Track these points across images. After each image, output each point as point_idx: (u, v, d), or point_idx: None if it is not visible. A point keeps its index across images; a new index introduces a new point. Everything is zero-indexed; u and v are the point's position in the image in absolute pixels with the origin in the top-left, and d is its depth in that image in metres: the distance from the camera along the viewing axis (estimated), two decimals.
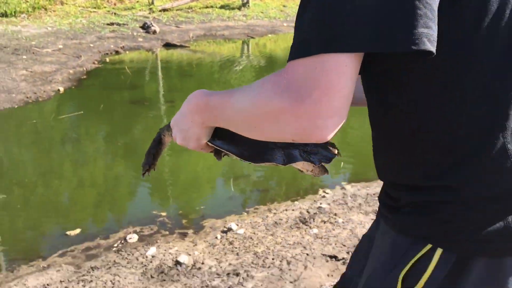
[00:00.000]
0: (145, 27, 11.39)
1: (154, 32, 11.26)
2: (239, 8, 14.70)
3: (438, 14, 0.60)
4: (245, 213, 3.55)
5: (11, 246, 3.19)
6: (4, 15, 10.77)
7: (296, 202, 3.63)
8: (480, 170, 0.70)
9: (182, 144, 0.93)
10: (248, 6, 14.85)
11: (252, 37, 12.37)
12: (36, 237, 3.33)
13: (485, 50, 0.66)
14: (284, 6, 15.90)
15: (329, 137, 0.65)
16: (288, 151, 0.89)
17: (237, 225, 3.23)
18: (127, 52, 9.81)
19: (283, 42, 12.35)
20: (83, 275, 2.70)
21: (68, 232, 3.27)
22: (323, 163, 0.91)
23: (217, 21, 13.30)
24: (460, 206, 0.71)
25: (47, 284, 2.63)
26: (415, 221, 0.75)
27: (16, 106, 6.00)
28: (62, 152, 4.87)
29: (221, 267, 2.68)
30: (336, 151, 0.93)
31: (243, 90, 0.74)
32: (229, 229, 3.18)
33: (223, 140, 0.89)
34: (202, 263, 2.75)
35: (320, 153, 0.90)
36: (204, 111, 0.83)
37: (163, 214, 3.50)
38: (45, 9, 11.81)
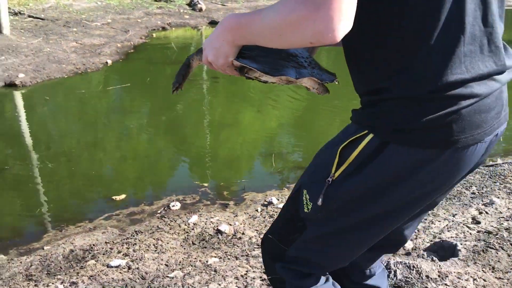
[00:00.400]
0: (192, 5, 11.44)
1: (200, 9, 11.30)
2: None
3: None
4: (286, 189, 3.56)
5: (60, 208, 3.33)
6: None
7: None
8: (407, 77, 0.92)
9: (212, 61, 1.07)
10: None
11: None
12: (83, 201, 3.45)
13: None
14: None
15: (340, 38, 0.81)
16: (299, 69, 1.06)
17: (278, 199, 3.24)
18: (173, 28, 9.91)
19: None
20: (127, 238, 2.78)
21: (113, 197, 3.38)
22: (325, 83, 1.11)
23: (263, 1, 13.20)
24: (389, 103, 0.95)
25: (93, 245, 2.72)
26: (363, 114, 1.01)
27: (66, 76, 6.18)
28: (109, 123, 5.00)
29: (261, 238, 2.69)
30: (336, 78, 1.12)
31: (270, 7, 0.88)
32: (270, 203, 3.19)
33: (247, 58, 1.04)
34: (243, 234, 2.78)
35: (324, 75, 1.10)
36: (236, 30, 0.97)
37: (205, 185, 3.55)
38: None
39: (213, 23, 10.64)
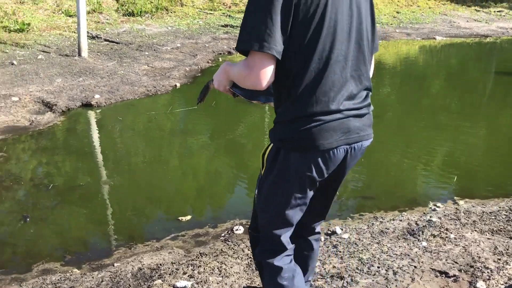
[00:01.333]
0: None
1: None
2: None
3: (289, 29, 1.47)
4: (350, 219, 3.51)
5: (129, 226, 3.46)
6: (131, 14, 11.67)
7: (404, 213, 3.51)
8: (289, 105, 1.55)
9: (217, 87, 1.79)
10: None
11: None
12: (151, 220, 3.57)
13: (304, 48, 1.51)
14: (397, 12, 15.42)
15: (265, 86, 1.51)
16: (268, 96, 1.74)
17: (342, 229, 3.20)
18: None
19: (393, 48, 11.97)
20: (192, 260, 2.85)
21: (180, 218, 3.47)
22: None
23: None
24: (277, 124, 1.61)
25: (160, 264, 2.81)
26: (270, 132, 1.66)
27: (137, 98, 6.48)
28: (175, 144, 5.17)
29: (324, 269, 2.67)
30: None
31: (236, 64, 1.60)
32: (333, 232, 3.16)
33: (237, 88, 1.73)
34: None
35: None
36: (225, 72, 1.72)
37: None
38: (167, 10, 12.59)
39: None
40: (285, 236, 1.76)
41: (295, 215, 1.72)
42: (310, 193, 1.69)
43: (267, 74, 1.49)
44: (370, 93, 1.69)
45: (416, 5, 16.46)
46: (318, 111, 1.54)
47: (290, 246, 1.79)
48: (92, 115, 5.86)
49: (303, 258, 1.99)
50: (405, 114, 6.49)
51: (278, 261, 1.75)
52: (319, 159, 1.58)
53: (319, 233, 2.05)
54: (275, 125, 1.64)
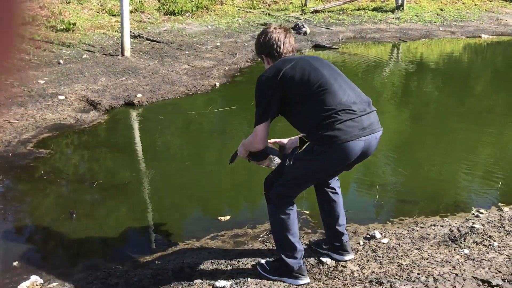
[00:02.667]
0: (296, 28, 11.67)
1: (305, 33, 11.49)
2: (392, 11, 14.27)
3: (288, 96, 2.44)
4: (389, 223, 3.48)
5: (170, 224, 3.55)
6: (172, 13, 11.87)
7: (445, 219, 3.45)
8: (317, 132, 2.34)
9: (240, 155, 2.78)
10: (402, 9, 14.34)
11: (404, 41, 11.94)
12: (191, 219, 3.66)
13: (304, 102, 2.40)
14: (441, 10, 15.04)
15: (263, 147, 2.56)
16: (269, 162, 2.83)
17: (381, 233, 3.19)
18: None
19: (436, 47, 11.71)
20: (231, 260, 2.90)
21: (219, 218, 3.54)
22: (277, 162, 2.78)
23: (368, 24, 13.09)
24: (312, 139, 2.40)
25: (199, 263, 2.87)
26: (308, 138, 2.43)
27: (178, 97, 6.61)
28: (215, 143, 5.25)
29: (363, 274, 2.67)
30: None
31: (246, 139, 2.65)
32: (372, 237, 3.14)
33: (250, 156, 2.75)
34: (344, 267, 2.77)
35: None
36: (242, 145, 2.70)
37: (306, 212, 3.59)
38: (207, 9, 12.74)
39: (317, 46, 10.76)
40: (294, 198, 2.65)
41: (308, 186, 2.65)
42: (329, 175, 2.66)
43: (264, 131, 2.49)
44: (370, 100, 2.50)
45: (461, 2, 16.00)
46: (340, 119, 2.33)
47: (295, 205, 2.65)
48: (134, 113, 6.02)
49: (329, 207, 2.79)
50: (448, 115, 6.35)
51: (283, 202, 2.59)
52: (346, 150, 2.32)
53: (333, 187, 2.79)
54: (308, 137, 2.44)
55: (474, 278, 2.58)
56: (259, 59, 2.74)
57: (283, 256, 2.59)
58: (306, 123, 2.40)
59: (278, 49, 2.56)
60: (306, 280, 2.59)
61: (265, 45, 2.58)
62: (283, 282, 2.59)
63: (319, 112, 2.33)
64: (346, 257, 2.83)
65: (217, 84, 7.23)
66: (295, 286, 2.56)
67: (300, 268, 2.58)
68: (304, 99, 2.39)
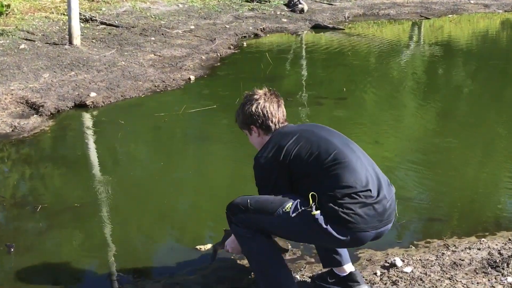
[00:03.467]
0: (291, 5, 11.77)
1: (302, 10, 11.59)
2: None
3: (293, 173, 2.64)
4: (413, 247, 3.51)
5: (136, 257, 3.55)
6: None
7: (483, 239, 3.48)
8: (332, 206, 2.50)
9: (231, 252, 3.02)
10: None
11: (427, 18, 12.09)
12: (163, 249, 3.65)
13: (307, 174, 2.61)
14: None
15: None
16: None
17: (403, 260, 3.21)
18: (268, 35, 10.23)
19: (467, 25, 11.86)
20: None
21: (198, 247, 3.53)
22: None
23: None
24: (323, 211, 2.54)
25: None
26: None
27: (142, 95, 6.62)
28: (191, 152, 5.26)
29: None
30: None
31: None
32: (392, 265, 3.17)
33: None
34: None
35: None
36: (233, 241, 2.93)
37: None
38: None
39: (317, 27, 10.85)
40: None
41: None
42: None
43: None
44: (387, 178, 2.79)
45: None
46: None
47: None
48: (87, 118, 6.01)
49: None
50: (484, 109, 6.43)
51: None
52: (360, 238, 2.59)
53: None
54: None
55: None
56: (243, 131, 2.91)
57: None
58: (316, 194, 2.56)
59: (274, 119, 2.78)
60: None
61: (257, 115, 2.77)
62: None
63: (334, 188, 2.52)
64: None
65: (192, 77, 7.25)
66: None
67: None
68: (314, 176, 2.58)
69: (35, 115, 5.83)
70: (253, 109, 2.77)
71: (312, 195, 2.52)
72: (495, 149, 5.26)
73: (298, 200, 2.56)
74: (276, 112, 2.78)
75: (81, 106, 6.17)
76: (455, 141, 5.41)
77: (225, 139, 5.52)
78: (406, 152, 5.19)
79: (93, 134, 5.67)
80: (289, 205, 2.55)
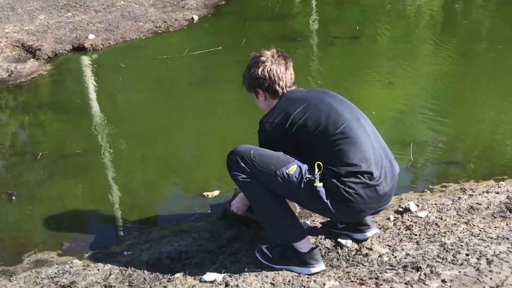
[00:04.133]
0: None
1: None
2: None
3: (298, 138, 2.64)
4: (428, 192, 3.52)
5: (140, 204, 3.60)
6: None
7: (502, 183, 3.49)
8: (335, 182, 2.53)
9: (236, 212, 3.09)
10: None
11: None
12: (168, 197, 3.70)
13: (313, 144, 2.61)
14: None
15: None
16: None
17: (417, 205, 3.22)
18: None
19: None
20: (222, 246, 2.96)
21: (206, 193, 3.56)
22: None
23: None
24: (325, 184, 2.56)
25: (182, 252, 2.92)
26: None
27: (143, 37, 6.56)
28: (196, 97, 5.22)
29: (395, 257, 2.72)
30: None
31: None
32: (406, 210, 3.18)
33: (248, 212, 3.06)
34: (370, 249, 2.81)
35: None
36: (243, 200, 3.04)
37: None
38: None
39: None
40: None
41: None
42: None
43: None
44: (391, 154, 2.83)
45: None
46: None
47: None
48: (86, 62, 5.98)
49: None
50: (505, 48, 6.32)
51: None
52: (357, 216, 2.70)
53: None
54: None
55: None
56: (250, 93, 2.88)
57: (279, 242, 2.70)
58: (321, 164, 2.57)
59: (281, 83, 2.76)
60: (320, 267, 2.64)
61: (263, 78, 2.76)
62: (290, 271, 2.64)
63: (339, 164, 2.54)
64: (369, 233, 2.89)
65: (195, 17, 7.15)
66: (307, 275, 2.61)
67: (312, 252, 2.63)
68: (320, 148, 2.60)
69: (32, 59, 5.80)
70: (259, 72, 2.76)
71: (318, 164, 2.53)
72: None
73: (304, 166, 2.57)
74: (283, 75, 2.76)
75: (79, 49, 6.13)
76: (473, 82, 5.34)
77: (231, 82, 5.48)
78: (421, 94, 5.14)
79: (93, 78, 5.65)
80: (294, 167, 2.56)
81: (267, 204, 2.63)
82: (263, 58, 2.79)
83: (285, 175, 2.55)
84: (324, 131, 2.58)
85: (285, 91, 2.77)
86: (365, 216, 2.74)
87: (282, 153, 2.63)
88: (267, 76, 2.75)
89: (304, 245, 2.65)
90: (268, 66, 2.75)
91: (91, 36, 6.32)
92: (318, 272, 2.62)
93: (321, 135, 2.59)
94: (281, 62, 2.79)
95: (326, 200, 2.53)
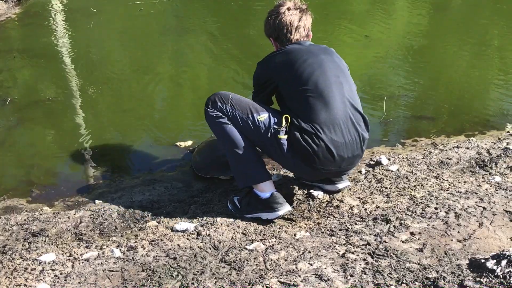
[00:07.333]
0: None
1: None
2: None
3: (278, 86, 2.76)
4: (400, 146, 3.54)
5: (112, 153, 3.55)
6: None
7: (472, 139, 3.52)
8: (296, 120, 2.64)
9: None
10: None
11: None
12: (140, 145, 3.64)
13: (291, 95, 2.70)
14: None
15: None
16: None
17: (389, 159, 3.24)
18: None
19: None
20: (194, 196, 2.95)
21: (178, 144, 3.54)
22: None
23: None
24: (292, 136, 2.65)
25: (154, 201, 2.91)
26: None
27: None
28: (169, 44, 5.14)
29: (365, 209, 2.74)
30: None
31: None
32: (378, 163, 3.20)
33: None
34: (341, 201, 2.83)
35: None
36: None
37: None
38: None
39: None
40: None
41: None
42: None
43: None
44: (364, 116, 2.80)
45: None
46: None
47: None
48: (56, 5, 5.82)
49: None
50: (479, 2, 6.31)
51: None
52: (316, 174, 2.79)
53: None
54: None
55: (507, 212, 2.67)
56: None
57: (241, 182, 2.77)
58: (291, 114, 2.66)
59: (289, 35, 2.82)
60: (285, 208, 2.68)
61: (274, 28, 2.84)
62: (260, 218, 2.66)
63: (306, 120, 2.61)
64: (340, 185, 2.91)
65: None
66: (278, 225, 2.62)
67: (273, 196, 2.67)
68: (295, 100, 2.68)
69: (0, 1, 5.61)
70: (272, 22, 2.83)
71: (285, 117, 2.61)
72: (487, 46, 5.20)
73: (274, 117, 2.66)
74: (293, 28, 2.81)
75: None
76: (445, 37, 5.35)
77: (205, 31, 5.40)
78: (395, 49, 5.13)
79: (63, 23, 5.50)
80: (265, 116, 2.66)
81: (234, 142, 2.69)
82: (280, 9, 2.83)
83: (256, 120, 2.65)
84: (303, 85, 2.65)
85: (292, 42, 2.82)
86: (322, 177, 2.81)
87: (257, 103, 2.73)
88: (278, 26, 2.81)
89: (266, 188, 2.68)
90: (280, 18, 2.80)
91: None
92: (283, 214, 2.67)
93: (299, 88, 2.65)
94: (295, 14, 2.82)
95: (286, 153, 2.61)
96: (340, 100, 2.65)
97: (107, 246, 2.48)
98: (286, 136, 2.60)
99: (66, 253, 2.43)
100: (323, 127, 2.58)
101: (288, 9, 2.82)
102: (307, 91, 2.63)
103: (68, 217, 2.78)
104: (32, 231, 2.65)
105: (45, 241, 2.55)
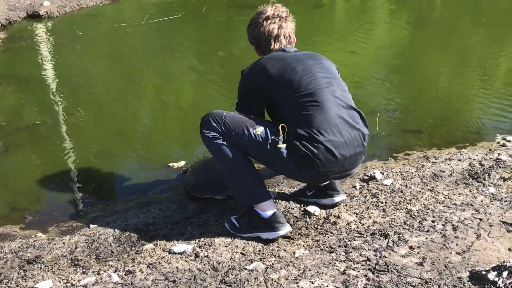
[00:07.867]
0: None
1: None
2: None
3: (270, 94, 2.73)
4: (393, 160, 3.55)
5: (105, 176, 3.52)
6: None
7: (463, 150, 3.54)
8: (298, 144, 2.58)
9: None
10: None
11: None
12: (133, 167, 3.63)
13: (283, 103, 2.69)
14: None
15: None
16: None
17: (382, 173, 3.25)
18: None
19: None
20: (190, 217, 2.92)
21: (171, 164, 3.52)
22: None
23: None
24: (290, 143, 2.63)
25: (149, 224, 2.88)
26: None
27: (100, 4, 6.41)
28: (156, 66, 5.14)
29: (363, 225, 2.73)
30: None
31: None
32: (372, 178, 3.20)
33: None
34: (338, 217, 2.82)
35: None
36: None
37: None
38: None
39: None
40: None
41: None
42: None
43: None
44: (363, 118, 2.82)
45: None
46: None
47: None
48: (41, 30, 5.81)
49: None
50: (460, 17, 6.40)
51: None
52: (320, 179, 2.80)
53: None
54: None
55: (503, 222, 2.67)
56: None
57: (242, 201, 2.76)
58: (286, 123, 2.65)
59: (269, 46, 2.84)
60: (286, 228, 2.66)
61: (253, 37, 2.88)
62: (260, 238, 2.64)
63: (302, 126, 2.60)
64: (337, 198, 2.91)
65: None
66: (277, 245, 2.61)
67: (275, 215, 2.65)
68: (288, 107, 2.67)
69: None
70: (252, 30, 2.86)
71: (282, 127, 2.60)
72: (471, 58, 5.26)
73: (270, 128, 2.64)
74: (272, 38, 2.82)
75: (34, 16, 5.97)
76: (430, 51, 5.40)
77: (192, 50, 5.41)
78: (382, 62, 5.17)
79: (49, 47, 5.48)
80: (261, 129, 2.64)
81: (233, 162, 2.68)
82: (259, 18, 2.84)
83: (253, 135, 2.63)
84: (294, 92, 2.64)
85: (273, 51, 2.82)
86: (328, 180, 2.81)
87: (252, 116, 2.72)
88: (257, 37, 2.84)
89: (268, 207, 2.66)
90: (259, 28, 2.82)
91: (46, 3, 6.13)
92: (284, 234, 2.65)
93: (291, 95, 2.65)
94: (273, 23, 2.81)
95: (287, 161, 2.60)
96: (333, 101, 2.65)
97: (104, 271, 2.44)
98: (285, 145, 2.58)
99: (63, 279, 2.39)
100: (319, 130, 2.57)
101: (267, 18, 2.82)
102: (300, 97, 2.62)
103: (63, 243, 2.74)
104: (27, 258, 2.61)
105: (41, 268, 2.51)
